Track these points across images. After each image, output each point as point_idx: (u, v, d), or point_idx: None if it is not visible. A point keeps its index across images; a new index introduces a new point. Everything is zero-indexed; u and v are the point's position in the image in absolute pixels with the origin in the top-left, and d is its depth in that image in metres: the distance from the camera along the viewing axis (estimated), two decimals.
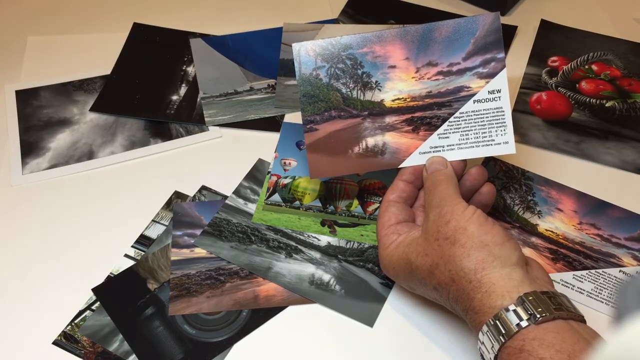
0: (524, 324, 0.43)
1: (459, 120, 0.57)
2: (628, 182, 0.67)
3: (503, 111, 0.57)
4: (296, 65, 0.57)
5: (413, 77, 0.58)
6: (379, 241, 0.54)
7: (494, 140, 0.57)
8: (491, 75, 0.57)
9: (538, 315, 0.43)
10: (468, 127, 0.57)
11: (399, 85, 0.58)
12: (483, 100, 0.57)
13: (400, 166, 0.57)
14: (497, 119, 0.57)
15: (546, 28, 0.82)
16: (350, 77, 0.57)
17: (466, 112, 0.57)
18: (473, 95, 0.57)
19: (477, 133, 0.57)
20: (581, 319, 0.45)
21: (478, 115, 0.57)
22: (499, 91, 0.57)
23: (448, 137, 0.57)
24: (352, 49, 0.57)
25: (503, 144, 0.57)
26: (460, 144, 0.57)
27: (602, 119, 0.72)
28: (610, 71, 0.76)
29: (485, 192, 0.56)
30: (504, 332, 0.43)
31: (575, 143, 0.70)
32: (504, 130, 0.57)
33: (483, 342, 0.45)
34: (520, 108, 0.73)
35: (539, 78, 0.76)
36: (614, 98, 0.73)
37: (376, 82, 0.58)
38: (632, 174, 0.67)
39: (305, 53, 0.57)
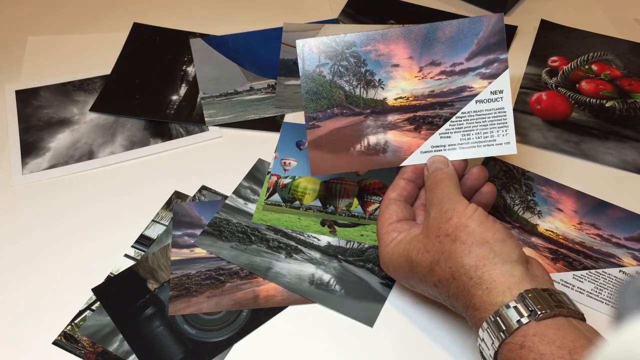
0: (524, 320, 0.43)
1: (461, 120, 0.57)
2: (628, 182, 0.67)
3: (505, 112, 0.57)
4: (299, 62, 0.57)
5: (416, 76, 0.58)
6: (380, 239, 0.54)
7: (495, 140, 0.57)
8: (494, 76, 0.57)
9: (539, 312, 0.43)
10: (470, 127, 0.57)
11: (402, 84, 0.58)
12: (485, 101, 0.57)
13: (401, 165, 0.57)
14: (499, 120, 0.57)
15: (546, 28, 0.82)
16: (354, 75, 0.57)
17: (468, 112, 0.57)
18: (475, 95, 0.57)
19: (478, 133, 0.57)
20: (581, 317, 0.45)
21: (480, 115, 0.57)
22: (501, 92, 0.57)
23: (450, 137, 0.57)
24: (355, 46, 0.57)
25: (504, 144, 0.57)
26: (461, 144, 0.57)
27: (602, 119, 0.72)
28: (610, 71, 0.76)
29: (485, 191, 0.56)
30: (504, 328, 0.43)
31: (575, 143, 0.70)
32: (506, 130, 0.57)
33: (483, 339, 0.45)
34: (520, 108, 0.73)
35: (539, 78, 0.76)
36: (614, 98, 0.73)
37: (379, 80, 0.58)
38: (632, 174, 0.67)
39: (309, 50, 0.57)
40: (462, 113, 0.57)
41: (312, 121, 0.58)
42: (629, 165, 0.68)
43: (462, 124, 0.57)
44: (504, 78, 0.57)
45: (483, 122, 0.57)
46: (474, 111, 0.57)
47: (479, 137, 0.57)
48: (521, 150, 0.69)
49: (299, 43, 0.57)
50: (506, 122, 0.57)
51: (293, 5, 0.86)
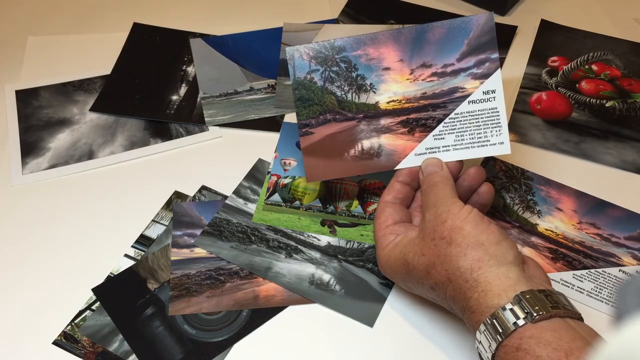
0: (520, 322, 0.43)
1: (454, 121, 0.57)
2: (628, 182, 0.67)
3: (498, 112, 0.57)
4: (290, 69, 0.57)
5: (407, 79, 0.58)
6: (377, 242, 0.55)
7: (489, 140, 0.57)
8: (485, 76, 0.57)
9: (535, 314, 0.43)
10: (463, 127, 0.57)
11: (394, 87, 0.58)
12: (478, 101, 0.57)
13: (396, 168, 0.57)
14: (492, 120, 0.57)
15: (546, 28, 0.82)
16: (345, 80, 0.57)
17: (461, 113, 0.57)
18: (467, 96, 0.57)
19: (472, 134, 0.57)
20: (578, 317, 0.45)
21: (473, 115, 0.57)
22: (493, 91, 0.57)
23: (443, 138, 0.57)
24: (345, 51, 0.57)
25: (498, 145, 0.57)
26: (455, 145, 0.57)
27: (602, 119, 0.72)
28: (610, 71, 0.76)
29: (483, 192, 0.56)
30: (501, 331, 0.43)
31: (575, 143, 0.70)
32: (499, 130, 0.57)
33: (480, 342, 0.45)
34: (520, 108, 0.73)
35: (539, 78, 0.76)
36: (614, 98, 0.73)
37: (371, 84, 0.58)
38: (632, 174, 0.67)
39: (299, 57, 0.57)
40: (455, 114, 0.57)
41: (305, 128, 0.58)
42: (629, 165, 0.68)
43: (456, 125, 0.57)
44: (496, 77, 0.57)
45: (476, 122, 0.57)
46: (467, 112, 0.57)
47: (472, 138, 0.57)
48: (521, 150, 0.69)
49: (289, 50, 0.57)
50: (499, 122, 0.57)
51: (293, 5, 0.86)
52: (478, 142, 0.57)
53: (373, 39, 0.57)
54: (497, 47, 0.57)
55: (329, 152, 0.58)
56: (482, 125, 0.57)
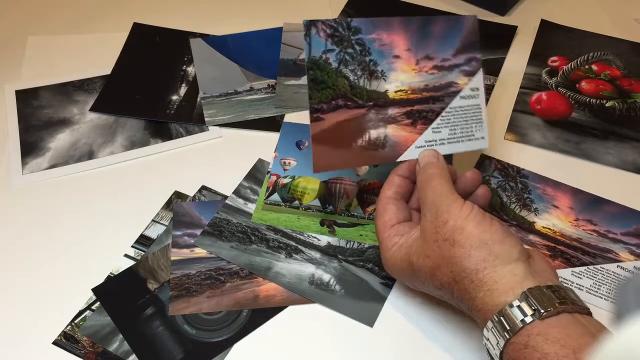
0: (528, 319, 0.43)
1: (449, 115, 0.58)
2: (628, 182, 0.67)
3: (480, 108, 0.59)
4: (305, 45, 0.55)
5: (413, 69, 0.58)
6: (381, 242, 0.54)
7: (474, 135, 0.59)
8: (473, 74, 0.59)
9: (542, 310, 0.43)
10: (456, 122, 0.58)
11: (402, 76, 0.58)
12: (467, 97, 0.59)
13: (397, 160, 0.57)
14: (476, 115, 0.59)
15: (546, 28, 0.82)
16: (359, 64, 0.57)
17: (454, 108, 0.58)
18: (459, 91, 0.59)
19: (462, 128, 0.59)
20: (587, 312, 0.45)
21: (463, 110, 0.59)
22: (477, 89, 0.59)
23: (440, 131, 0.58)
24: (361, 33, 0.57)
25: (480, 139, 0.59)
26: (449, 139, 0.58)
27: (602, 119, 0.72)
28: (610, 71, 0.76)
29: (480, 194, 0.56)
30: (508, 328, 0.43)
31: (575, 143, 0.70)
32: (481, 125, 0.59)
33: (488, 339, 0.45)
34: (520, 108, 0.73)
35: (539, 78, 0.76)
36: (614, 98, 0.73)
37: (382, 71, 0.57)
38: (632, 174, 0.67)
39: (316, 33, 0.55)
40: (450, 108, 0.58)
41: (317, 113, 0.55)
42: (629, 165, 0.68)
43: (450, 119, 0.58)
44: (479, 76, 0.59)
45: (465, 117, 0.59)
46: (458, 107, 0.58)
47: (462, 132, 0.59)
48: (521, 150, 0.69)
49: (306, 23, 0.54)
50: (481, 118, 0.59)
51: (293, 5, 0.86)
52: (466, 136, 0.58)
53: (387, 23, 0.57)
54: (479, 48, 0.59)
55: (338, 141, 0.56)
56: (469, 120, 0.59)
